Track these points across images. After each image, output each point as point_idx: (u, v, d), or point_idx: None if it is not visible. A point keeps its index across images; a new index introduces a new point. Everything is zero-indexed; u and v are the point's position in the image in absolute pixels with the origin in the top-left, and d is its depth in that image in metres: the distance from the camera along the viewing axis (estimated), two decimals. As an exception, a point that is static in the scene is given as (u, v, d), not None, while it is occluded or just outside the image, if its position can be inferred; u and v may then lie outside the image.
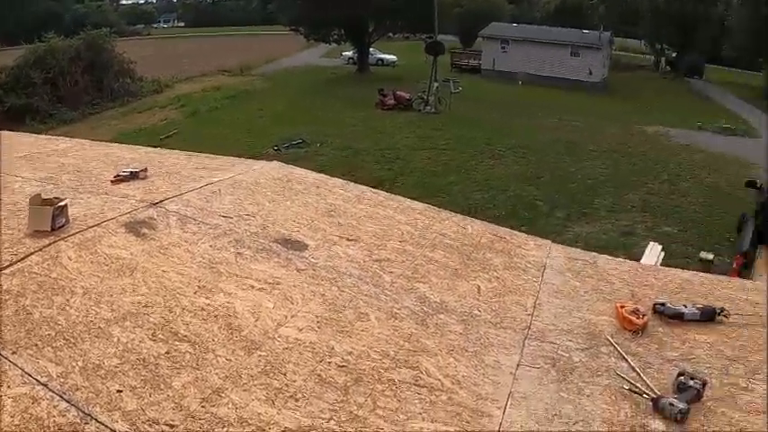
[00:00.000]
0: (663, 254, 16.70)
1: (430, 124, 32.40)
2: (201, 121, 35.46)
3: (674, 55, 71.10)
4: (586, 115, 37.02)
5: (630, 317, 4.51)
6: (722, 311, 4.95)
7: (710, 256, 16.08)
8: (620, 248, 17.44)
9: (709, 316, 4.87)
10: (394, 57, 63.82)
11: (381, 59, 62.45)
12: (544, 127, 32.59)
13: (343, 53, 62.56)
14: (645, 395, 3.66)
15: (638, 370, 3.95)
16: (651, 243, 17.13)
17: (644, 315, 4.55)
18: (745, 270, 14.56)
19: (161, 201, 5.55)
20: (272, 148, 27.38)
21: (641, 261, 15.79)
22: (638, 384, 3.77)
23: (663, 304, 4.79)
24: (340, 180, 6.71)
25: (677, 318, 4.75)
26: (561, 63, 53.76)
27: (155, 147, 10.83)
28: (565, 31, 58.03)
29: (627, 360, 4.05)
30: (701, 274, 6.47)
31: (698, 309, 4.85)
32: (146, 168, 6.36)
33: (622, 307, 4.62)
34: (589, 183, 23.18)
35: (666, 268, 6.30)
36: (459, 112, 34.85)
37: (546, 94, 44.51)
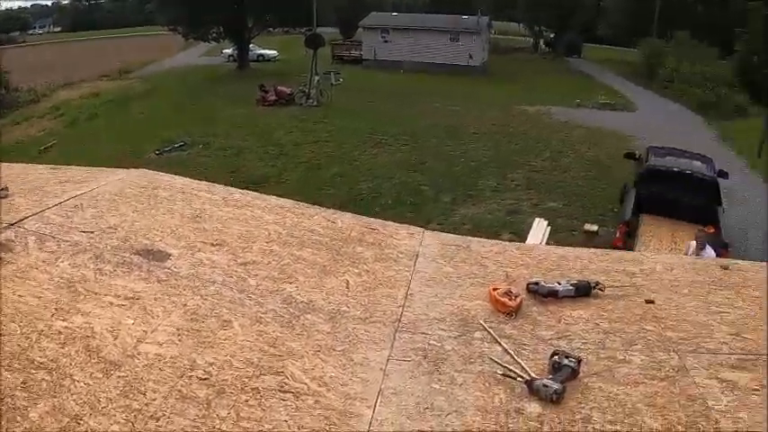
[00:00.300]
0: (549, 228, 17.09)
1: (312, 117, 32.39)
2: (81, 130, 34.47)
3: (552, 36, 72.65)
4: (468, 99, 37.49)
5: (503, 299, 4.44)
6: (597, 285, 4.95)
7: (595, 227, 16.53)
8: (506, 227, 17.75)
9: (584, 291, 4.87)
10: (275, 52, 63.52)
11: (262, 55, 62.09)
12: (426, 113, 32.87)
13: (223, 51, 61.74)
14: (519, 378, 3.60)
15: (512, 353, 3.90)
16: (537, 219, 17.53)
17: (517, 296, 4.49)
18: (629, 238, 14.99)
19: (20, 220, 5.24)
20: (153, 152, 26.87)
21: (528, 237, 16.17)
22: (512, 368, 3.71)
23: (537, 283, 4.75)
24: (206, 183, 6.49)
25: (552, 295, 4.72)
26: (441, 49, 54.20)
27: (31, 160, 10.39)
28: (444, 18, 58.49)
29: (500, 344, 3.99)
30: (578, 249, 6.54)
31: (572, 285, 4.84)
32: (6, 187, 6.03)
33: (495, 290, 4.54)
34: (473, 165, 23.51)
35: (542, 246, 6.34)
36: (341, 103, 34.89)
37: (427, 81, 44.85)
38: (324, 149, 25.11)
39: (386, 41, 56.73)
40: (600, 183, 22.41)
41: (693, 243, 12.09)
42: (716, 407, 3.75)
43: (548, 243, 16.11)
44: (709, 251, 12.18)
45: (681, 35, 53.96)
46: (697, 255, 11.82)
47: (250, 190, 6.63)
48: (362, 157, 24.29)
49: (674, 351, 4.32)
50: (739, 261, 7.31)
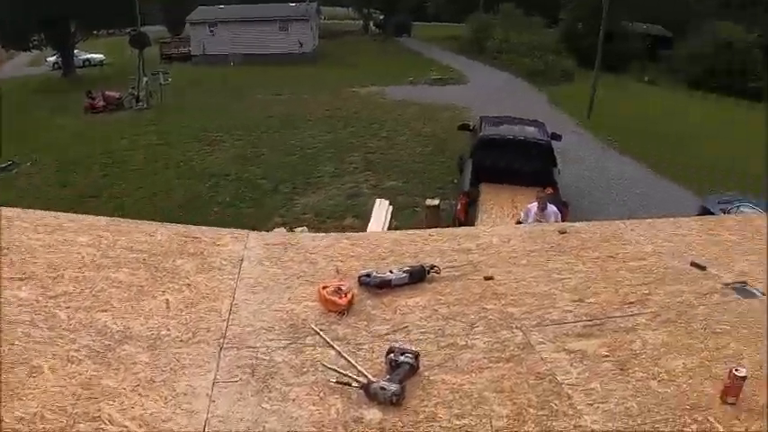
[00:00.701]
0: (391, 208, 17.15)
1: (143, 121, 31.41)
2: None
3: (381, 17, 73.12)
4: (301, 86, 37.23)
5: (333, 298, 4.28)
6: (433, 268, 4.87)
7: (436, 202, 16.67)
8: (349, 211, 17.74)
9: (418, 276, 4.77)
10: (101, 55, 61.04)
11: (88, 60, 59.21)
12: (260, 104, 32.43)
13: (47, 59, 58.40)
14: (354, 384, 3.44)
15: (346, 356, 3.75)
16: (378, 200, 17.55)
17: (347, 292, 4.33)
18: (471, 207, 15.17)
19: None
20: (-23, 178, 25.36)
21: (371, 219, 16.18)
22: (347, 373, 3.56)
23: (368, 275, 4.61)
24: (19, 209, 6.04)
25: (385, 286, 4.59)
26: (271, 39, 53.68)
27: None
28: (272, 7, 58.04)
29: (334, 347, 3.83)
30: (412, 232, 6.47)
31: (405, 271, 4.72)
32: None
33: (324, 288, 4.37)
34: (310, 152, 23.37)
35: (374, 233, 6.21)
36: (172, 103, 34.01)
37: (259, 72, 44.30)
38: (157, 153, 24.18)
39: (214, 35, 55.63)
40: (437, 157, 22.70)
41: (535, 205, 12.34)
42: (566, 381, 3.73)
43: (391, 222, 16.21)
44: (552, 209, 12.59)
45: (507, 7, 55.52)
46: (540, 215, 12.23)
47: (84, 204, 6.27)
48: (197, 157, 23.53)
49: (517, 328, 4.28)
50: (576, 223, 7.44)
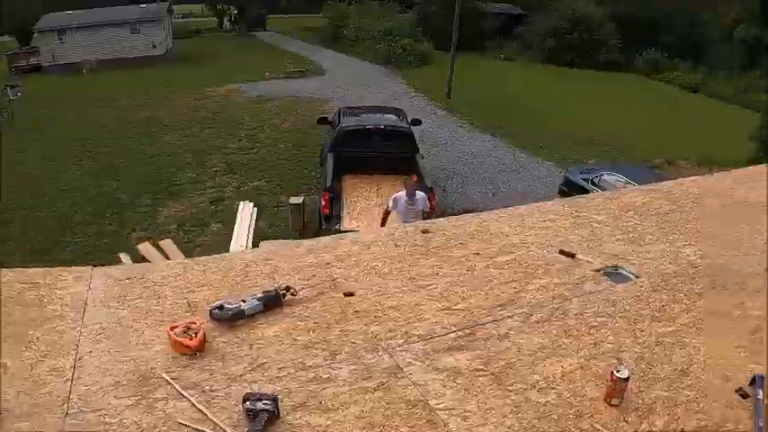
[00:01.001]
0: (255, 209, 16.92)
1: (-8, 139, 29.70)
2: None
3: (236, 12, 72.22)
4: (157, 90, 36.02)
5: (182, 339, 4.00)
6: (289, 290, 4.67)
7: (300, 200, 16.55)
8: (213, 217, 17.39)
9: (273, 303, 4.56)
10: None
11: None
12: (115, 111, 30.94)
13: None
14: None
15: (201, 408, 3.50)
16: (242, 203, 17.28)
17: (198, 331, 4.06)
18: (335, 202, 15.09)
19: None
20: None
21: (236, 223, 15.92)
22: (204, 430, 3.34)
23: (221, 307, 4.36)
24: None
25: (239, 317, 4.35)
26: (124, 42, 52.01)
27: None
28: (121, 10, 56.11)
29: (187, 398, 3.58)
30: (266, 250, 6.30)
31: (259, 299, 4.50)
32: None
33: (173, 329, 4.09)
34: (169, 159, 22.60)
35: (227, 255, 5.93)
36: (25, 118, 32.34)
37: (113, 77, 42.80)
38: (7, 176, 22.83)
39: (64, 43, 53.56)
40: (299, 153, 22.48)
41: (403, 193, 12.30)
42: (440, 406, 3.62)
43: (257, 224, 16.01)
44: (421, 195, 12.55)
45: (361, -7, 55.53)
46: (410, 202, 12.20)
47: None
48: (50, 176, 21.84)
49: (383, 350, 4.13)
50: (440, 219, 7.39)
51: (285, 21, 73.47)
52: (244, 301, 4.45)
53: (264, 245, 13.96)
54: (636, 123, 28.71)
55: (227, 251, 13.51)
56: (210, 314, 4.36)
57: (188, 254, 13.20)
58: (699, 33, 47.93)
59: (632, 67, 45.60)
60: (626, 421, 3.56)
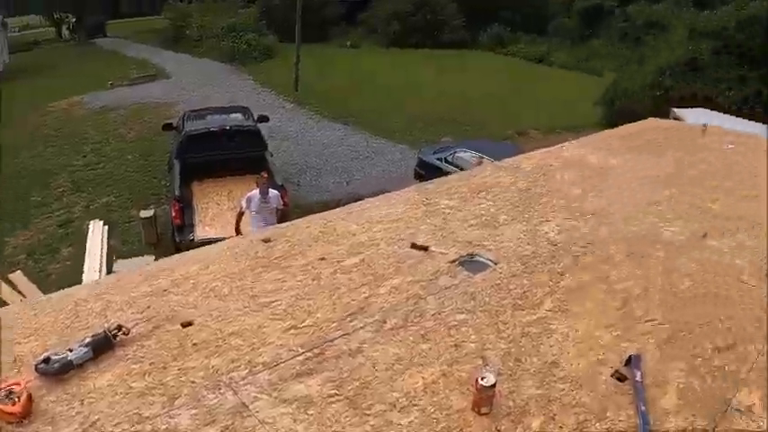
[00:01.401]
0: (107, 228, 16.31)
1: None
2: None
3: (74, 20, 70.03)
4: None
5: (2, 406, 3.60)
6: (120, 329, 4.33)
7: (151, 212, 16.12)
8: (63, 241, 16.63)
9: (104, 346, 4.21)
10: None
11: None
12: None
13: None
14: None
15: None
16: (91, 222, 16.61)
17: (20, 396, 3.65)
18: (186, 210, 14.76)
19: None
20: None
21: (87, 245, 15.25)
22: None
23: (47, 360, 4.00)
24: None
25: (67, 369, 4.00)
26: (-43, 63, 49.89)
27: None
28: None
29: None
30: (96, 283, 5.91)
31: (87, 344, 4.14)
32: None
33: None
34: (10, 183, 21.06)
35: (51, 296, 5.44)
36: None
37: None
38: None
39: None
40: (147, 163, 21.78)
41: (256, 192, 12.09)
42: None
43: (109, 243, 15.45)
44: (274, 193, 12.50)
45: (201, -9, 54.60)
46: (263, 200, 12.08)
47: None
48: None
49: (226, 386, 3.86)
50: (283, 224, 7.13)
51: (127, 24, 71.60)
52: (71, 350, 4.09)
53: (119, 265, 13.55)
54: (485, 98, 29.30)
55: (81, 277, 13.03)
56: (36, 369, 3.99)
57: (41, 284, 12.65)
58: (541, 7, 50.33)
59: (478, 44, 46.44)
60: (498, 430, 3.44)
